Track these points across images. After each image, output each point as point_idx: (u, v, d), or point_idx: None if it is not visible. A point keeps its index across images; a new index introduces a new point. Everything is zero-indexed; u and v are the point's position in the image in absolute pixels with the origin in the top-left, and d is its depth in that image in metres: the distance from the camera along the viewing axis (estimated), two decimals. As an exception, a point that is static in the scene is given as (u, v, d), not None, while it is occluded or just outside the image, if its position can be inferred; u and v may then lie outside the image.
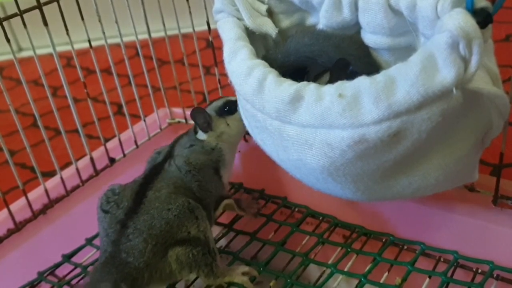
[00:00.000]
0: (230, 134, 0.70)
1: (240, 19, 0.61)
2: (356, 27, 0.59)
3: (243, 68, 0.55)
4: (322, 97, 0.48)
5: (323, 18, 0.59)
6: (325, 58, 0.59)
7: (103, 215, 0.63)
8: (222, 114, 0.70)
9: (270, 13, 0.63)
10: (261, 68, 0.54)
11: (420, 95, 0.44)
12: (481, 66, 0.47)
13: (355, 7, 0.57)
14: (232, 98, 0.70)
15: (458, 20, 0.42)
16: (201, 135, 0.70)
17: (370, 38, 0.57)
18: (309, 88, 0.49)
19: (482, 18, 0.44)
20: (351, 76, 0.54)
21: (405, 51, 0.55)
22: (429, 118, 0.45)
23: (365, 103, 0.46)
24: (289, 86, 0.50)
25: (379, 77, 0.46)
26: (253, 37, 0.61)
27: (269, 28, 0.62)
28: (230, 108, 0.70)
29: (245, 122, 0.62)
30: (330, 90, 0.48)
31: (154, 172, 0.67)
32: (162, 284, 0.63)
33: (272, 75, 0.52)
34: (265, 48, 0.64)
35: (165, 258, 0.60)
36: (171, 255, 0.60)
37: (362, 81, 0.47)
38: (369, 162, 0.49)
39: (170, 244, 0.60)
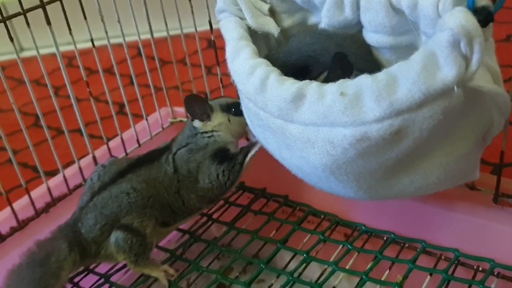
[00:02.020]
0: (230, 128, 0.69)
1: (242, 18, 0.61)
2: (358, 26, 0.59)
3: (245, 67, 0.55)
4: (324, 96, 0.48)
5: (324, 18, 0.60)
6: (327, 57, 0.59)
7: (88, 179, 0.69)
8: (228, 111, 0.69)
9: (272, 13, 0.63)
10: (263, 67, 0.54)
11: (421, 93, 0.44)
12: (482, 65, 0.47)
13: (356, 6, 0.57)
14: None
15: (459, 18, 0.43)
16: (197, 122, 0.69)
17: (372, 37, 0.58)
18: (311, 87, 0.50)
19: (483, 16, 0.44)
20: (349, 67, 0.55)
21: (406, 50, 0.55)
22: (430, 116, 0.46)
23: (367, 101, 0.46)
24: (291, 84, 0.51)
25: (380, 75, 0.46)
26: (255, 36, 0.62)
27: (271, 27, 0.62)
28: (238, 110, 0.68)
29: (248, 121, 0.62)
30: (332, 89, 0.48)
31: (148, 158, 0.69)
32: (106, 260, 0.67)
33: (274, 74, 0.53)
34: (267, 48, 0.64)
35: (109, 238, 0.65)
36: (112, 237, 0.64)
37: (363, 80, 0.47)
38: (371, 160, 0.50)
39: (115, 227, 0.64)
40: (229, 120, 0.69)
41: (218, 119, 0.69)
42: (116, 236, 0.64)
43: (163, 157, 0.69)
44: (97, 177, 0.68)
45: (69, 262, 0.63)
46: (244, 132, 0.71)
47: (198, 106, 0.68)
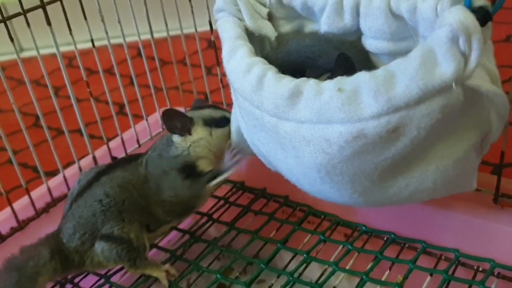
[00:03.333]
0: (210, 143, 0.67)
1: (240, 19, 0.61)
2: (357, 33, 0.59)
3: (242, 65, 0.54)
4: (321, 92, 0.48)
5: (324, 25, 0.60)
6: (325, 59, 0.59)
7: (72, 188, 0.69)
8: (211, 125, 0.67)
9: (270, 17, 0.63)
10: (260, 65, 0.54)
11: (419, 89, 0.44)
12: (480, 66, 0.47)
13: (356, 13, 0.57)
14: (228, 115, 0.67)
15: (458, 15, 0.43)
16: (176, 137, 0.67)
17: (371, 43, 0.58)
18: (308, 84, 0.49)
19: (481, 15, 0.44)
20: (352, 68, 0.54)
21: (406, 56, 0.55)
22: (428, 114, 0.45)
23: (364, 97, 0.46)
24: (288, 82, 0.50)
25: (378, 71, 0.46)
26: (251, 39, 0.61)
27: (269, 31, 0.62)
28: (222, 122, 0.67)
29: (242, 123, 0.61)
30: (329, 85, 0.48)
31: (125, 160, 0.69)
32: (95, 269, 0.67)
33: (271, 72, 0.52)
34: (261, 52, 0.64)
35: (93, 248, 0.64)
36: (96, 248, 0.64)
37: (362, 76, 0.47)
38: (367, 160, 0.49)
39: (97, 236, 0.64)
40: (211, 134, 0.67)
41: (198, 133, 0.67)
42: (101, 247, 0.64)
43: (139, 159, 0.68)
44: (77, 183, 0.68)
45: (49, 269, 0.62)
46: (224, 148, 0.68)
47: (178, 121, 0.66)
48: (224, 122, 0.67)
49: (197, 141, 0.67)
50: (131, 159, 0.69)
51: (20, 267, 0.61)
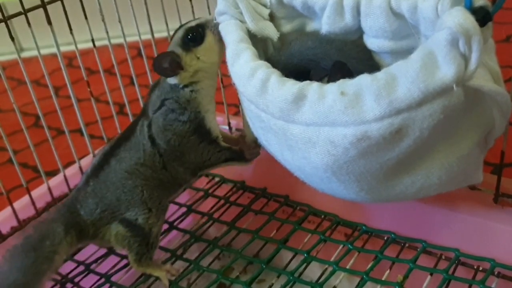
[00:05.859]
0: (205, 68, 0.64)
1: (242, 21, 0.61)
2: (358, 32, 0.59)
3: (246, 69, 0.55)
4: (324, 95, 0.49)
5: (325, 24, 0.60)
6: (328, 62, 0.59)
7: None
8: (189, 47, 0.63)
9: (271, 18, 0.63)
10: (264, 69, 0.54)
11: (420, 91, 0.45)
12: (482, 65, 0.47)
13: (357, 12, 0.57)
14: (192, 23, 0.63)
15: (458, 17, 0.43)
16: (172, 79, 0.63)
17: (373, 42, 0.58)
18: (311, 87, 0.50)
19: (481, 16, 0.44)
20: (349, 75, 0.55)
21: (407, 54, 0.54)
22: (430, 115, 0.46)
23: (366, 100, 0.46)
24: (292, 85, 0.51)
25: (380, 74, 0.47)
26: (254, 40, 0.61)
27: (271, 32, 0.62)
28: (194, 36, 0.62)
29: (250, 123, 0.62)
30: (332, 88, 0.49)
31: (125, 135, 0.66)
32: (104, 244, 0.67)
33: (275, 75, 0.53)
34: (265, 53, 0.64)
35: (109, 226, 0.64)
36: (112, 228, 0.64)
37: (363, 79, 0.47)
38: (372, 160, 0.50)
39: (117, 217, 0.64)
40: (198, 58, 0.63)
41: (189, 64, 0.63)
42: (116, 230, 0.64)
43: (137, 129, 0.65)
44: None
45: (64, 246, 0.62)
46: (218, 58, 0.65)
47: (165, 61, 0.62)
48: (195, 35, 0.63)
49: (194, 74, 0.63)
50: (127, 135, 0.66)
51: (36, 247, 0.60)
